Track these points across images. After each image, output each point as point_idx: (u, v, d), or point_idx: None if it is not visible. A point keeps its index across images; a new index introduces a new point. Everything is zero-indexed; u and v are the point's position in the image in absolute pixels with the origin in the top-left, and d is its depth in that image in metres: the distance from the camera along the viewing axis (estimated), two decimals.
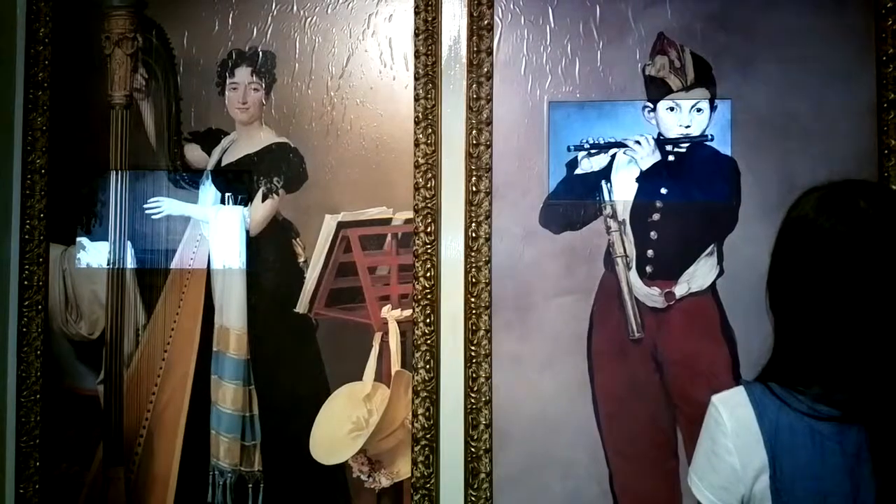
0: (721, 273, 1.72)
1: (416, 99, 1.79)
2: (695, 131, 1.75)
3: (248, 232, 1.85)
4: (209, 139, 1.88)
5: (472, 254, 1.77)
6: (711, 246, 1.73)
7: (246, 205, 1.86)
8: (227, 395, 1.84)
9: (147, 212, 1.89)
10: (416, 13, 1.81)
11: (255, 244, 1.85)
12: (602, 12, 1.78)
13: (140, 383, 1.87)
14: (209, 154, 1.88)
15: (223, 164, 1.88)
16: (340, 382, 1.81)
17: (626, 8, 1.77)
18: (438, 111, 1.79)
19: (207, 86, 1.88)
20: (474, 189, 1.77)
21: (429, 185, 1.78)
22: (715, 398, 1.08)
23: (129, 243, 1.89)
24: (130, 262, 1.89)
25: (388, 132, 1.82)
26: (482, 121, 1.77)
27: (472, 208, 1.77)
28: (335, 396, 1.81)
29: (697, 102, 1.75)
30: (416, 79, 1.80)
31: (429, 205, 1.78)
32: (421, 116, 1.79)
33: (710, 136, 1.74)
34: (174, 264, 1.88)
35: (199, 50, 1.88)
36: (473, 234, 1.77)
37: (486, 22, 1.79)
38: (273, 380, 1.83)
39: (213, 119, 1.88)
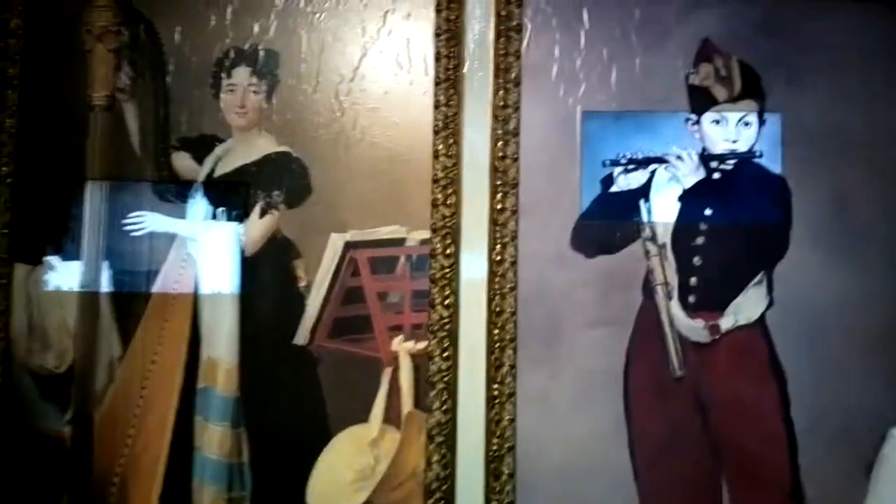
0: (771, 304, 1.70)
1: (437, 106, 1.76)
2: (742, 147, 1.74)
3: (242, 252, 1.80)
4: (201, 147, 1.83)
5: (497, 279, 1.72)
6: (760, 273, 1.71)
7: (241, 221, 1.80)
8: (214, 438, 1.76)
9: (127, 228, 1.82)
10: (438, 11, 1.78)
11: (250, 266, 1.79)
12: (642, 15, 1.77)
13: (114, 424, 1.79)
14: (200, 163, 1.83)
15: (216, 174, 1.83)
16: (343, 425, 1.74)
17: (668, 11, 1.76)
18: (460, 120, 1.76)
19: (201, 87, 1.83)
20: (499, 207, 1.74)
21: (448, 202, 1.74)
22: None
23: (105, 263, 1.81)
24: (106, 286, 1.81)
25: (403, 142, 1.78)
26: (509, 131, 1.75)
27: (497, 228, 1.73)
28: (337, 441, 1.74)
29: (745, 115, 1.74)
30: (436, 84, 1.77)
31: (448, 224, 1.74)
32: (441, 125, 1.76)
33: (758, 153, 1.73)
34: (156, 288, 1.81)
35: (193, 47, 1.83)
36: (498, 257, 1.73)
37: (514, 22, 1.76)
38: (267, 422, 1.76)
39: (206, 124, 1.83)
